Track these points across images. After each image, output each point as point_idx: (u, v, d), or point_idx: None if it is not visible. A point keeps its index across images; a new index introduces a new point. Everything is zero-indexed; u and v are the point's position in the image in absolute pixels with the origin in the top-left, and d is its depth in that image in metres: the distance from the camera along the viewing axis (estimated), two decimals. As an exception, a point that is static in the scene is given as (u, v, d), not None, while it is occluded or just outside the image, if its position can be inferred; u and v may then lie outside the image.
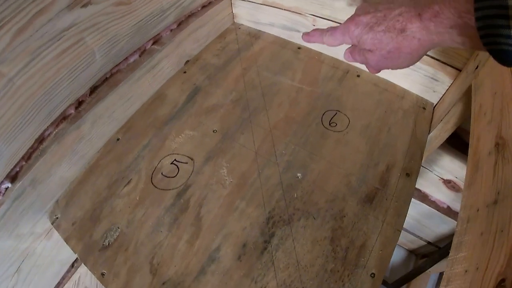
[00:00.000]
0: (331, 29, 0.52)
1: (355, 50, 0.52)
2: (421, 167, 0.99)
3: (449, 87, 0.76)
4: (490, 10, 0.32)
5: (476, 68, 0.63)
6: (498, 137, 0.49)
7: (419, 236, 1.38)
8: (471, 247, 0.43)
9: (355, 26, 0.47)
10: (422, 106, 0.81)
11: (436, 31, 0.39)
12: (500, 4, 0.31)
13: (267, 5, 0.92)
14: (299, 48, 0.94)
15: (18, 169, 0.62)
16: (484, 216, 0.44)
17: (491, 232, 0.40)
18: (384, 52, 0.45)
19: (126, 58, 0.76)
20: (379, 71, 0.51)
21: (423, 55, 0.45)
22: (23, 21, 0.53)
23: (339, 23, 0.82)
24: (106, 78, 0.73)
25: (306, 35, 0.56)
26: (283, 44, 0.96)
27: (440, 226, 1.20)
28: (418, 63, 0.75)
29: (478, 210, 0.46)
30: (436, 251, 1.33)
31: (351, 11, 0.75)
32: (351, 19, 0.48)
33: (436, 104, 0.81)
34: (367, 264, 0.58)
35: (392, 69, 0.48)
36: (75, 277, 0.86)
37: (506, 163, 0.44)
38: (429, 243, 1.36)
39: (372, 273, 0.57)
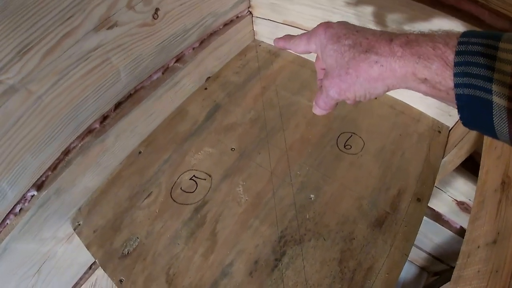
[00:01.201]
0: (301, 34, 0.49)
1: (318, 94, 0.48)
2: (435, 187, 1.00)
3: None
4: (475, 46, 0.31)
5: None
6: (505, 175, 0.50)
7: (431, 254, 1.38)
8: (467, 283, 0.45)
9: (324, 31, 0.44)
10: (437, 129, 0.82)
11: (401, 59, 0.36)
12: (487, 44, 0.30)
13: (287, 24, 0.94)
14: (317, 67, 0.96)
15: (44, 179, 0.66)
16: (483, 254, 0.45)
17: (487, 271, 0.42)
18: (343, 72, 0.41)
19: (150, 76, 0.79)
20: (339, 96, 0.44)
21: (381, 93, 0.41)
22: (52, 42, 0.56)
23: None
24: (130, 94, 0.76)
25: (277, 39, 0.53)
26: (302, 63, 0.98)
27: (452, 245, 1.20)
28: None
29: (478, 247, 0.47)
30: (447, 269, 1.33)
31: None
32: (322, 23, 0.45)
33: (451, 128, 0.82)
34: (372, 287, 0.60)
35: (349, 98, 0.43)
36: (92, 279, 0.90)
37: (510, 204, 0.45)
38: (441, 261, 1.36)
39: (378, 296, 0.59)
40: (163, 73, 0.81)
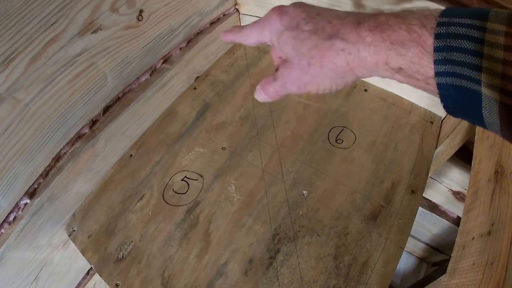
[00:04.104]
0: (252, 22, 0.41)
1: (269, 79, 0.41)
2: (430, 178, 1.00)
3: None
4: (458, 28, 0.27)
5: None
6: (498, 165, 0.50)
7: (429, 245, 1.38)
8: (463, 276, 0.44)
9: (279, 18, 0.37)
10: (429, 120, 0.82)
11: (371, 46, 0.32)
12: (473, 24, 0.27)
13: (275, 20, 0.93)
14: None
15: (36, 186, 0.66)
16: (478, 246, 0.45)
17: (482, 263, 0.41)
18: (304, 62, 0.36)
19: (138, 78, 0.78)
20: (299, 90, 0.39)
21: (349, 84, 0.37)
22: (36, 50, 0.55)
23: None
24: (119, 97, 0.76)
25: (224, 32, 0.45)
26: (292, 58, 0.97)
27: (450, 235, 1.20)
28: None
29: (473, 239, 0.47)
30: (447, 259, 1.33)
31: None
32: (275, 8, 0.38)
33: (444, 118, 0.81)
34: (369, 281, 0.60)
35: (312, 91, 0.38)
36: (90, 284, 0.90)
37: (503, 194, 0.45)
38: (439, 251, 1.36)
39: (374, 290, 0.59)
40: (151, 75, 0.81)
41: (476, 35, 0.26)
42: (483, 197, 0.51)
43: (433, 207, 1.17)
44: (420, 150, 0.76)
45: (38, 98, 0.59)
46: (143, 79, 0.79)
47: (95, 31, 0.64)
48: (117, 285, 0.64)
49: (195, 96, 0.90)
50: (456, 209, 1.10)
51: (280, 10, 0.37)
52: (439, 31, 0.28)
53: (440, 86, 0.29)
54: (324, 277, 0.61)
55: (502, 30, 0.25)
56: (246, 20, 1.00)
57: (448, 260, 0.58)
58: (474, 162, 0.60)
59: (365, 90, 0.88)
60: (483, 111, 0.27)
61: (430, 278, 1.16)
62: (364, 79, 0.89)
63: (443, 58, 0.28)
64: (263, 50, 1.00)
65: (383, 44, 0.31)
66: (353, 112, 0.84)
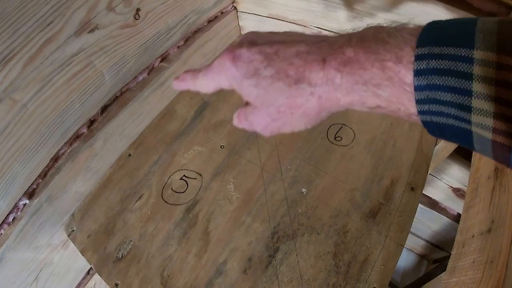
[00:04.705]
0: (205, 68, 0.37)
1: (241, 111, 0.38)
2: (430, 175, 1.00)
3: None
4: (440, 61, 0.23)
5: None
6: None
7: (429, 242, 1.38)
8: (463, 274, 0.44)
9: (233, 64, 0.33)
10: (428, 116, 0.81)
11: (343, 88, 0.29)
12: (457, 55, 0.22)
13: (272, 18, 0.93)
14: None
15: (35, 186, 0.66)
16: (478, 244, 0.44)
17: (481, 261, 0.41)
18: (273, 110, 0.32)
19: (135, 77, 0.78)
20: (272, 135, 0.37)
21: (325, 118, 0.34)
22: (33, 50, 0.55)
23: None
24: (116, 97, 0.76)
25: (176, 80, 0.40)
26: (290, 56, 0.97)
27: (450, 232, 1.20)
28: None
29: (473, 236, 0.47)
30: (447, 256, 1.33)
31: (359, 23, 0.77)
32: (227, 53, 0.33)
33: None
34: (368, 279, 0.60)
35: (285, 132, 0.36)
36: (90, 284, 0.90)
37: (503, 191, 0.45)
38: (440, 248, 1.36)
39: (374, 287, 0.59)
40: (148, 74, 0.80)
41: (462, 69, 0.22)
42: (483, 194, 0.51)
43: (433, 204, 1.17)
44: (420, 147, 0.76)
45: (36, 99, 0.59)
46: (140, 78, 0.79)
47: (91, 31, 0.63)
48: (116, 284, 0.64)
49: (193, 95, 0.90)
50: (456, 206, 1.10)
51: (232, 55, 0.33)
52: (418, 67, 0.24)
53: (425, 124, 0.26)
54: (324, 275, 0.61)
55: (493, 61, 0.21)
56: (244, 18, 1.00)
57: (449, 257, 0.58)
58: (474, 159, 0.60)
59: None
60: (474, 144, 0.24)
61: (430, 276, 1.17)
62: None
63: (425, 97, 0.24)
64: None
65: (355, 86, 0.28)
66: (352, 110, 0.82)
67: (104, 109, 0.74)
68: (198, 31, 0.90)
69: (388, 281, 0.60)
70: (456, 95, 0.23)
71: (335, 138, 0.78)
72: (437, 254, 1.41)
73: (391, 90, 0.26)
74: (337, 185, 0.71)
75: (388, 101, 0.27)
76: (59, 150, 0.68)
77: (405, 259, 1.53)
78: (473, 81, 0.22)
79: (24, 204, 0.65)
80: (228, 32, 0.99)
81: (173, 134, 0.83)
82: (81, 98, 0.67)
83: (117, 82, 0.74)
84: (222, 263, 0.64)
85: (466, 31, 0.23)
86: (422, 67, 0.24)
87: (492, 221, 0.44)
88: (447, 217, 1.15)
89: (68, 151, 0.69)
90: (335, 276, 0.60)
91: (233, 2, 0.96)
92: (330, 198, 0.69)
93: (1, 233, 0.62)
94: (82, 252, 0.69)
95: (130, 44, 0.72)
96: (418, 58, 0.24)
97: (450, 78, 0.23)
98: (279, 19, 0.92)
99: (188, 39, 0.88)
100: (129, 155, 0.81)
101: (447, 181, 1.03)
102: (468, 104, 0.22)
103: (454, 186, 1.03)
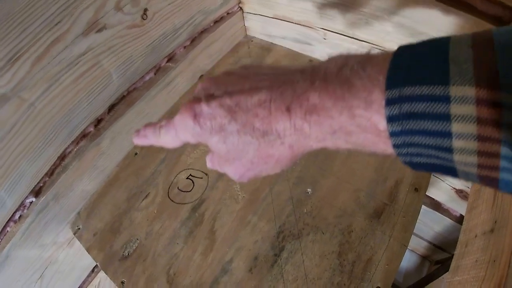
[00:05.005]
0: (167, 124, 0.34)
1: (213, 158, 0.36)
2: (433, 176, 1.00)
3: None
4: (413, 104, 0.21)
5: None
6: (501, 162, 0.50)
7: (432, 243, 1.38)
8: (466, 273, 0.45)
9: (196, 122, 0.30)
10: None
11: (312, 136, 0.27)
12: (432, 94, 0.20)
13: (278, 19, 0.94)
14: (310, 60, 0.96)
15: (41, 185, 0.66)
16: (481, 244, 0.45)
17: (484, 261, 0.42)
18: (245, 161, 0.31)
19: (142, 76, 0.79)
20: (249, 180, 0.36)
21: (299, 157, 0.31)
22: (41, 49, 0.56)
23: (352, 38, 0.83)
24: (123, 96, 0.77)
25: (137, 135, 0.37)
26: (295, 57, 0.98)
27: (453, 233, 1.20)
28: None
29: (476, 236, 0.47)
30: (449, 257, 1.33)
31: (364, 25, 0.77)
32: (188, 107, 0.31)
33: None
34: (373, 278, 0.60)
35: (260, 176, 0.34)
36: (95, 281, 0.90)
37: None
38: (442, 249, 1.36)
39: (378, 287, 0.59)
40: (155, 73, 0.81)
41: (438, 111, 0.20)
42: (486, 195, 0.51)
43: (436, 205, 1.17)
44: (424, 148, 0.76)
45: (43, 98, 0.60)
46: (147, 77, 0.80)
47: (99, 30, 0.64)
48: (122, 282, 0.65)
49: (199, 95, 0.90)
50: (459, 207, 1.10)
51: (193, 112, 0.31)
52: (390, 113, 0.22)
53: (405, 163, 0.24)
54: (328, 274, 0.61)
55: (472, 96, 0.19)
56: (250, 19, 1.00)
57: (451, 258, 0.58)
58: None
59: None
60: (460, 177, 0.23)
61: (432, 276, 1.17)
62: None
63: (402, 142, 0.23)
64: (267, 48, 1.00)
65: (327, 136, 0.26)
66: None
67: (111, 108, 0.75)
68: (204, 32, 0.91)
69: (392, 281, 0.60)
70: (435, 138, 0.21)
71: (340, 139, 0.79)
72: (439, 255, 1.41)
73: (364, 137, 0.25)
74: (342, 186, 0.71)
75: (363, 145, 0.26)
76: (66, 148, 0.69)
77: (408, 260, 1.53)
78: (452, 122, 0.20)
79: (31, 202, 0.65)
80: (234, 32, 1.00)
81: (179, 133, 0.83)
82: (88, 97, 0.68)
83: (124, 82, 0.75)
84: (228, 262, 0.64)
85: (439, 62, 0.21)
86: (394, 113, 0.22)
87: (495, 222, 0.44)
88: (450, 218, 1.15)
89: (75, 149, 0.70)
90: (339, 275, 0.61)
91: (239, 3, 0.97)
92: (335, 198, 0.70)
93: (7, 231, 0.63)
94: (88, 250, 0.70)
95: (138, 44, 0.73)
96: (388, 102, 0.22)
97: (426, 121, 0.21)
98: (285, 20, 0.93)
99: (194, 40, 0.89)
100: (136, 154, 0.82)
101: (450, 183, 1.04)
102: (448, 146, 0.21)
103: (457, 188, 1.03)
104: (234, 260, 0.64)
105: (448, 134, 0.20)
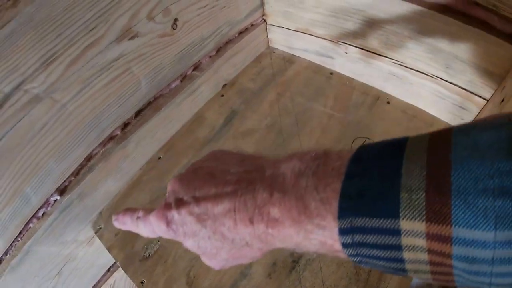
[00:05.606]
0: (144, 218, 0.36)
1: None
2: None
3: (476, 116, 0.77)
4: (364, 235, 0.22)
5: (502, 101, 0.64)
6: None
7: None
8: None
9: (169, 228, 0.32)
10: (449, 134, 0.82)
11: (277, 243, 0.28)
12: (381, 228, 0.21)
13: (300, 32, 0.96)
14: (331, 73, 0.98)
15: (67, 184, 0.68)
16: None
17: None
18: (221, 259, 0.33)
19: (169, 84, 0.81)
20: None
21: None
22: (76, 53, 0.58)
23: (372, 52, 0.85)
24: (150, 102, 0.79)
25: (116, 220, 0.39)
26: (316, 69, 1.00)
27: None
28: (445, 91, 0.78)
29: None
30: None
31: (385, 41, 0.79)
32: (160, 214, 0.33)
33: (462, 133, 0.82)
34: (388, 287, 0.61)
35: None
36: (110, 281, 0.92)
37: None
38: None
39: (393, 297, 0.61)
40: (181, 81, 0.83)
41: (389, 242, 0.21)
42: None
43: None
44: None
45: (75, 100, 0.62)
46: (174, 85, 0.82)
47: (132, 38, 0.66)
48: (142, 282, 0.66)
49: (222, 103, 0.93)
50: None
51: (165, 219, 0.32)
52: (344, 241, 0.23)
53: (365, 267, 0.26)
54: (345, 282, 0.62)
55: (422, 231, 0.20)
56: (273, 31, 1.02)
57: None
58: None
59: (388, 103, 0.89)
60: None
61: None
62: (386, 92, 0.90)
63: (359, 260, 0.24)
64: (289, 60, 1.02)
65: (288, 245, 0.28)
66: (375, 123, 0.85)
67: (138, 113, 0.77)
68: (229, 42, 0.93)
69: (407, 292, 0.61)
70: (389, 261, 0.22)
71: (359, 151, 0.80)
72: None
73: (322, 251, 0.26)
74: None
75: (323, 253, 0.27)
76: (93, 150, 0.71)
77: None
78: (403, 251, 0.21)
79: (55, 200, 0.67)
80: (257, 44, 1.02)
81: (202, 140, 0.86)
82: (117, 101, 0.70)
83: (152, 88, 0.77)
84: (247, 267, 0.66)
85: (390, 191, 0.21)
86: (347, 241, 0.23)
87: None
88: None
89: (102, 151, 0.72)
90: (355, 283, 0.62)
91: (263, 15, 0.99)
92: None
93: (30, 227, 0.64)
94: (109, 249, 0.72)
95: (167, 53, 0.75)
96: (341, 232, 0.23)
97: (378, 250, 0.22)
98: (307, 33, 0.94)
99: (219, 50, 0.91)
100: (159, 158, 0.84)
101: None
102: (402, 268, 0.22)
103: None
104: (253, 265, 0.66)
105: (401, 260, 0.22)
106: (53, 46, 0.54)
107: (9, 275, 0.62)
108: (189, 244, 0.33)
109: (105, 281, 0.91)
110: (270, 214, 0.27)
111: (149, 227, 0.35)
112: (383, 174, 0.22)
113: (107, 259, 0.82)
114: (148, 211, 0.36)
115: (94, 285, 0.88)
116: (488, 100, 0.73)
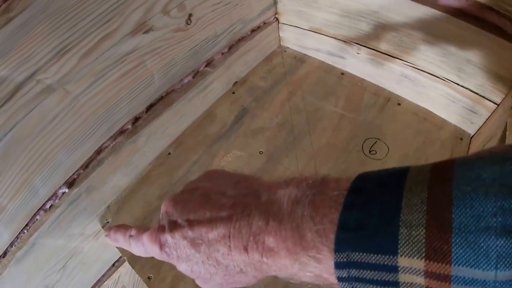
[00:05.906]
0: (137, 237, 0.35)
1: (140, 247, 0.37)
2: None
3: (486, 120, 0.77)
4: (361, 271, 0.22)
5: (512, 107, 0.64)
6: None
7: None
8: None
9: (162, 251, 0.32)
10: (459, 137, 0.82)
11: (272, 271, 0.28)
12: (379, 264, 0.21)
13: (313, 31, 0.96)
14: (342, 73, 0.97)
15: (75, 176, 0.68)
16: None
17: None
18: (214, 283, 0.33)
19: (181, 79, 0.81)
20: None
21: None
22: (89, 45, 0.58)
23: (384, 53, 0.85)
24: (162, 97, 0.78)
25: (108, 236, 0.40)
26: (328, 69, 0.99)
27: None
28: (456, 94, 0.78)
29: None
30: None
31: (398, 43, 0.78)
32: (153, 236, 0.33)
33: (473, 136, 0.82)
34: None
35: None
36: (115, 275, 0.91)
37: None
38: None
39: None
40: (193, 77, 0.83)
41: (387, 279, 0.21)
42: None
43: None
44: (451, 166, 0.76)
45: (87, 92, 0.61)
46: (186, 80, 0.82)
47: (146, 32, 0.66)
48: (149, 277, 0.66)
49: (233, 100, 0.93)
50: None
51: (158, 242, 0.32)
52: (339, 275, 0.23)
53: None
54: None
55: (420, 269, 0.20)
56: (285, 30, 1.02)
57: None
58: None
59: (399, 104, 0.89)
60: None
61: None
62: (397, 93, 0.90)
63: None
64: (300, 59, 1.02)
65: (283, 275, 0.28)
66: (386, 124, 0.85)
67: (149, 107, 0.76)
68: (241, 40, 0.93)
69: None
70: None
71: (370, 152, 0.80)
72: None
73: (318, 283, 0.26)
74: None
75: (319, 285, 0.26)
76: (103, 143, 0.70)
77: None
78: (400, 287, 0.21)
79: (63, 193, 0.66)
80: (268, 42, 1.02)
81: (213, 136, 0.85)
82: (130, 95, 0.70)
83: (165, 83, 0.77)
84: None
85: (389, 226, 0.21)
86: (343, 275, 0.23)
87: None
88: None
89: (112, 145, 0.72)
90: None
91: (275, 14, 0.99)
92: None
93: (37, 219, 0.64)
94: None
95: (180, 48, 0.75)
96: (337, 265, 0.23)
97: (375, 286, 0.22)
98: (320, 33, 0.94)
99: (232, 47, 0.91)
100: (169, 153, 0.83)
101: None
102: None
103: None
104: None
105: None
106: (67, 37, 0.54)
107: (14, 267, 0.62)
108: (182, 268, 0.33)
109: (110, 275, 0.90)
110: (265, 243, 0.27)
111: (141, 248, 0.35)
112: (382, 207, 0.22)
113: (113, 253, 0.82)
114: (140, 230, 0.36)
115: (99, 280, 0.87)
116: (498, 105, 0.73)
